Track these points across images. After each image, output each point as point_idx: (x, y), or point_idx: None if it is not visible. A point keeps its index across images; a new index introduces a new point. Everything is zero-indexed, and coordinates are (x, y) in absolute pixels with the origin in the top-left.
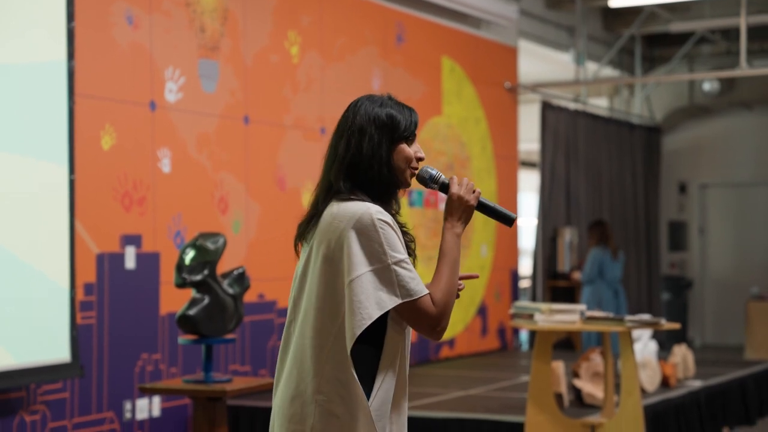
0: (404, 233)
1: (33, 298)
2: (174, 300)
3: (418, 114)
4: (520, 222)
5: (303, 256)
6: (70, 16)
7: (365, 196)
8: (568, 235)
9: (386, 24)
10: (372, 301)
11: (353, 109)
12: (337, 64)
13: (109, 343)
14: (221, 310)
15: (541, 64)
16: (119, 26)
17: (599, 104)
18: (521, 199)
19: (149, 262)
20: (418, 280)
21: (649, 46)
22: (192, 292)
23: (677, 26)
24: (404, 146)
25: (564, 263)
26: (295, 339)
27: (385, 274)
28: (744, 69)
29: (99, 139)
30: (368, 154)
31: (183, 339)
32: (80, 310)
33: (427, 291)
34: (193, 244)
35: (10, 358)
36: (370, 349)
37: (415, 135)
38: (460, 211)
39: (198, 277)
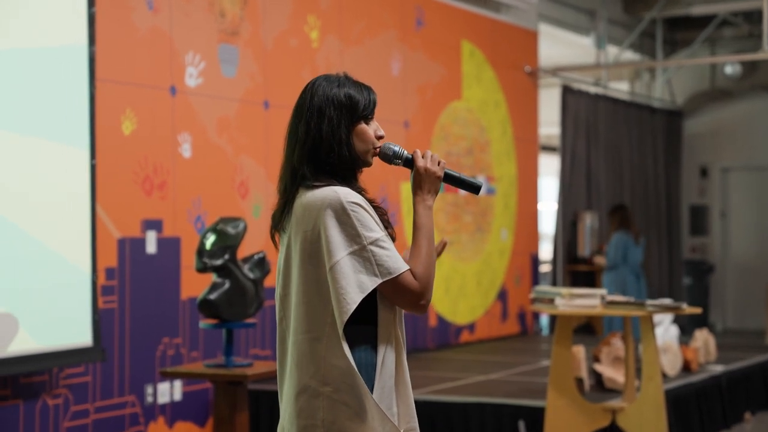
0: (376, 209)
1: (55, 283)
2: (195, 284)
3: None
4: (541, 207)
5: (282, 249)
6: (91, 1)
7: (331, 180)
8: (588, 220)
9: (406, 8)
10: (353, 286)
11: (310, 90)
12: (357, 48)
13: (131, 328)
14: (242, 295)
15: (562, 47)
16: (139, 11)
17: (620, 88)
18: (541, 184)
19: (170, 246)
20: (396, 257)
21: (671, 29)
22: (213, 277)
23: (699, 9)
24: (364, 126)
25: (584, 248)
26: (291, 336)
27: (363, 256)
28: (766, 52)
29: (120, 123)
30: (328, 136)
31: (204, 323)
32: (102, 295)
33: (407, 267)
34: (214, 229)
35: (32, 342)
36: (367, 328)
37: (373, 114)
38: (428, 183)
39: (218, 262)
